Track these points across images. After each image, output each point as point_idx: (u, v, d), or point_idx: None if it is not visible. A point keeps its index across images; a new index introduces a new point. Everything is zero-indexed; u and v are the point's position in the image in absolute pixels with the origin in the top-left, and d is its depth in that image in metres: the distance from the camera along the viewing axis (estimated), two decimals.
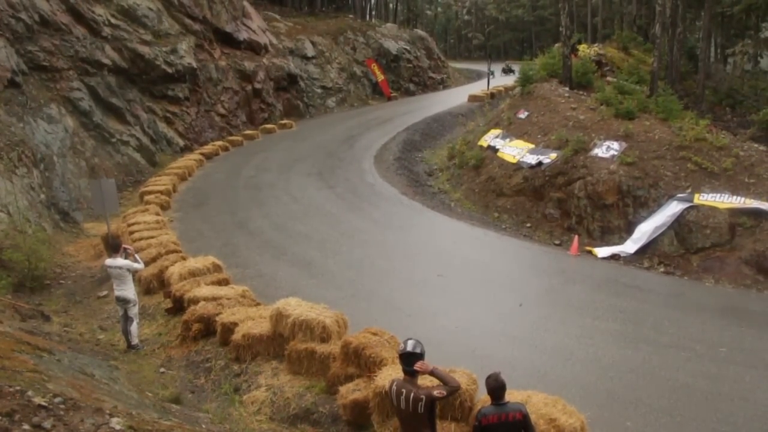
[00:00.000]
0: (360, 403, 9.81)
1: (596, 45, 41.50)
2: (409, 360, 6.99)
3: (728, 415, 10.79)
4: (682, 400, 11.21)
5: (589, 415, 8.94)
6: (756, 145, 23.17)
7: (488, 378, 7.05)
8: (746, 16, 37.32)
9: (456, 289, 16.74)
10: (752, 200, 20.03)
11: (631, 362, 12.70)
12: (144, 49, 34.66)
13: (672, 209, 20.47)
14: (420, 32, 67.36)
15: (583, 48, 37.21)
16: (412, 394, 6.89)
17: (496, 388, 6.97)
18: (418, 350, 7.02)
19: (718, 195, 20.45)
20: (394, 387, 7.12)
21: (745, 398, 11.39)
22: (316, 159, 32.57)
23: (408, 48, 60.20)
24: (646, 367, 12.48)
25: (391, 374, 9.33)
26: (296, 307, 12.28)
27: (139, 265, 14.22)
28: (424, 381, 7.54)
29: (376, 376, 9.54)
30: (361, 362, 10.55)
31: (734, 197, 20.26)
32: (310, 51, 50.85)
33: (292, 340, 11.88)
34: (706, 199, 20.39)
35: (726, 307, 16.34)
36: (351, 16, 64.65)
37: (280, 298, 12.79)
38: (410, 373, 7.02)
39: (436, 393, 6.88)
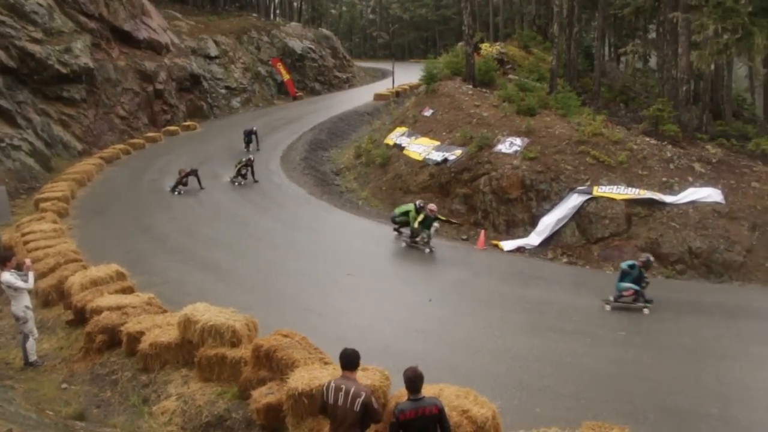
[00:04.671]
0: (274, 407, 9.68)
1: (498, 44, 42.47)
2: (349, 360, 7.25)
3: (628, 394, 11.34)
4: (587, 383, 11.67)
5: (500, 404, 9.13)
6: (647, 139, 24.34)
7: (406, 370, 7.15)
8: (636, 18, 39.09)
9: (366, 287, 16.80)
10: (646, 191, 21.08)
11: (538, 351, 13.10)
12: (34, 48, 32.89)
13: (573, 202, 21.24)
14: (325, 31, 67.18)
15: (485, 47, 37.98)
16: (352, 389, 7.03)
17: (414, 379, 7.07)
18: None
19: (615, 187, 21.41)
20: (332, 384, 7.21)
21: (643, 378, 12.01)
22: (222, 160, 31.94)
23: (313, 47, 59.93)
24: (553, 355, 12.91)
25: (303, 375, 9.28)
26: (205, 313, 11.98)
27: (24, 285, 12.79)
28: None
29: (288, 378, 9.43)
30: (273, 365, 10.40)
31: (629, 188, 21.25)
32: (213, 50, 49.83)
33: (201, 346, 11.57)
34: (604, 191, 21.28)
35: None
36: (254, 15, 63.79)
37: (188, 304, 12.44)
38: (351, 370, 7.24)
39: (374, 400, 7.10)
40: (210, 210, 24.39)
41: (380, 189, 27.27)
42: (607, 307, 15.71)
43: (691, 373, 12.26)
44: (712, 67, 27.54)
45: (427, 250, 19.83)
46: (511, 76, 33.07)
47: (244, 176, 28.29)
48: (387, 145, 29.73)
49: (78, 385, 12.32)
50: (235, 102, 49.48)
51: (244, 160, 28.44)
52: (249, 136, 34.74)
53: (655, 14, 35.99)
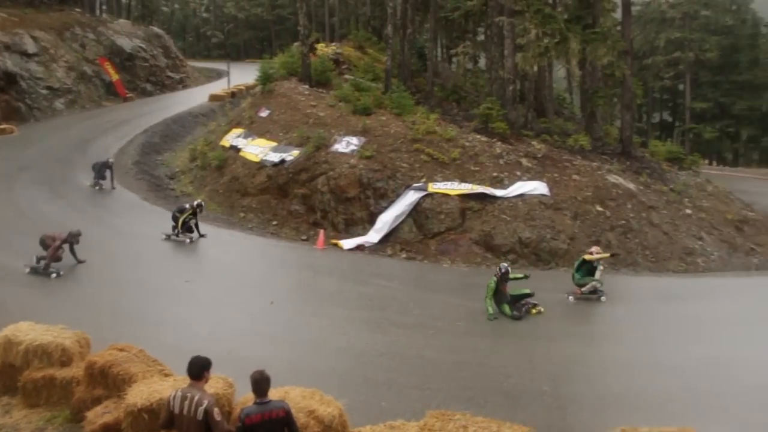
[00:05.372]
0: (111, 426, 9.06)
1: (334, 44, 42.68)
2: (193, 369, 7.08)
3: (469, 381, 11.77)
4: (430, 374, 11.98)
5: (346, 401, 9.15)
6: (478, 136, 25.43)
7: (253, 373, 7.04)
8: (465, 21, 40.74)
9: (206, 294, 16.25)
10: (478, 186, 22.03)
11: (381, 346, 13.26)
12: None
13: (409, 198, 21.75)
14: (156, 29, 64.43)
15: (321, 47, 38.06)
16: (196, 398, 6.85)
17: (260, 381, 6.97)
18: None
19: (449, 183, 22.20)
20: (179, 393, 7.00)
21: (482, 364, 12.54)
22: (45, 167, 29.56)
23: (144, 46, 57.28)
24: (396, 349, 13.13)
25: (143, 390, 8.83)
26: (29, 332, 11.01)
27: None
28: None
29: (126, 394, 8.87)
30: (108, 382, 9.77)
31: (463, 184, 22.11)
32: (31, 47, 46.20)
33: (26, 369, 10.62)
34: (438, 187, 21.98)
35: (462, 285, 17.74)
36: (78, 10, 59.79)
37: (9, 325, 11.36)
38: (197, 379, 7.08)
39: (216, 411, 6.85)
40: (33, 221, 22.31)
41: (217, 192, 26.54)
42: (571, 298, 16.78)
43: (525, 356, 12.96)
44: (535, 68, 29.30)
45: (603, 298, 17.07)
46: (347, 76, 33.33)
47: (192, 229, 20.87)
48: (223, 147, 29.01)
49: None
50: (59, 103, 46.19)
51: (187, 206, 20.98)
52: (102, 170, 26.48)
53: (483, 18, 37.64)
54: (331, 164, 23.45)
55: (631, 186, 24.51)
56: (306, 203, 23.52)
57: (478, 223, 21.20)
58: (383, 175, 22.78)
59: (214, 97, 48.56)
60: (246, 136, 28.32)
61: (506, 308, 15.20)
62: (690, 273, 21.22)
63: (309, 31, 35.99)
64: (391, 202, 22.14)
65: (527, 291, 15.63)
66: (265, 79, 31.81)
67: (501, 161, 23.83)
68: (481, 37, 43.79)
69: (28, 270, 17.07)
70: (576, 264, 17.30)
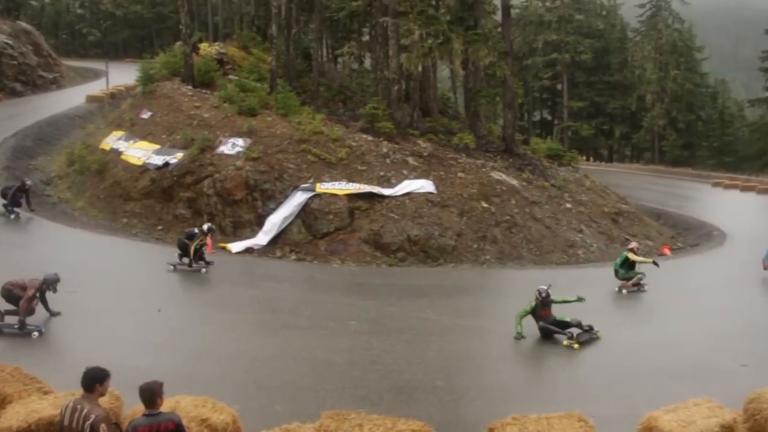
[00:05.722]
0: None
1: (218, 44, 41.71)
2: (84, 380, 6.76)
3: (363, 380, 11.74)
4: (323, 375, 11.86)
5: (239, 407, 8.97)
6: (365, 136, 25.60)
7: (142, 385, 6.75)
8: (350, 21, 40.91)
9: (89, 304, 15.38)
10: (366, 185, 22.17)
11: (273, 349, 13.04)
12: None
13: (297, 199, 21.63)
14: (24, 25, 60.79)
15: (204, 47, 37.13)
16: (85, 411, 6.53)
17: (148, 392, 6.70)
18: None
19: (337, 183, 22.23)
20: (70, 404, 6.67)
21: (374, 362, 12.52)
22: None
23: (11, 43, 53.96)
24: (288, 351, 12.94)
25: (19, 411, 8.28)
26: None
27: None
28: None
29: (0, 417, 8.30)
30: None
31: (351, 184, 22.19)
32: None
33: None
34: (326, 187, 21.98)
35: (352, 284, 17.80)
36: None
37: None
38: (89, 391, 6.76)
39: (103, 427, 6.51)
40: None
41: (98, 197, 25.41)
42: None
43: (417, 352, 13.07)
44: (420, 68, 29.74)
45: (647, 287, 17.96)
46: (231, 76, 32.69)
47: (203, 256, 18.55)
48: (103, 150, 27.82)
49: None
50: None
51: (197, 231, 18.50)
52: (17, 194, 22.47)
53: (368, 18, 37.90)
54: (217, 166, 22.96)
55: (515, 182, 25.36)
56: (192, 207, 22.91)
57: (367, 223, 21.33)
58: (270, 176, 22.52)
59: (91, 98, 46.44)
60: (127, 139, 27.29)
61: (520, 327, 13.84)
62: (572, 264, 22.23)
63: (191, 30, 35.03)
64: (279, 204, 21.92)
65: (568, 319, 13.86)
66: (146, 79, 30.77)
67: (388, 160, 24.08)
68: (366, 38, 44.13)
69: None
70: (619, 261, 18.26)
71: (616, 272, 18.12)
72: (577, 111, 69.95)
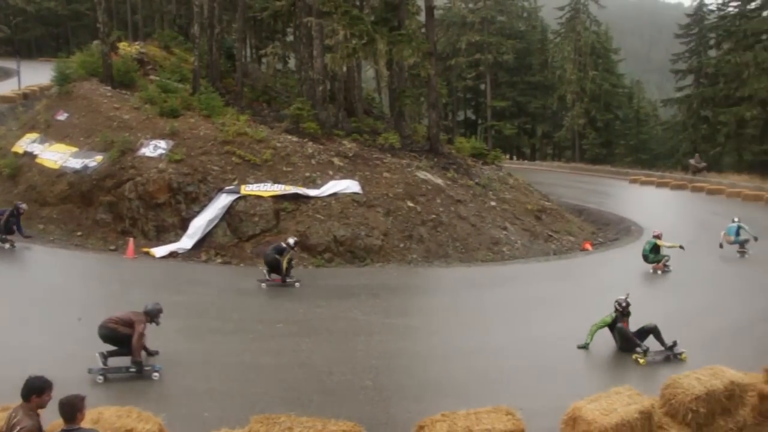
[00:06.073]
0: None
1: (138, 43, 40.69)
2: (22, 390, 6.78)
3: (292, 382, 11.67)
4: (251, 379, 11.75)
5: (165, 416, 8.80)
6: (290, 137, 25.48)
7: (61, 399, 6.64)
8: (274, 21, 40.54)
9: (3, 314, 14.84)
10: (291, 186, 22.10)
11: (200, 355, 12.83)
12: None
13: (222, 202, 21.36)
14: None
15: (124, 46, 36.13)
16: (15, 420, 6.53)
17: (67, 406, 6.58)
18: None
19: (262, 184, 22.09)
20: (11, 411, 6.74)
21: (303, 364, 12.49)
22: None
23: None
24: (215, 356, 12.76)
25: None
26: None
27: None
28: None
29: None
30: None
31: (276, 185, 22.07)
32: None
33: None
34: (251, 189, 21.78)
35: (278, 287, 17.62)
36: None
37: None
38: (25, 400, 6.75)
39: None
40: None
41: (11, 203, 24.39)
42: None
43: (346, 352, 13.12)
44: (344, 68, 29.80)
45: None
46: (152, 77, 31.95)
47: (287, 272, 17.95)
48: (16, 153, 26.71)
49: None
50: None
51: (285, 245, 17.90)
52: (10, 220, 20.22)
53: (292, 18, 37.67)
54: (139, 169, 22.40)
55: (440, 181, 25.69)
56: (113, 211, 22.29)
57: (293, 224, 21.24)
58: (194, 178, 22.15)
59: (2, 99, 44.55)
60: (42, 141, 26.30)
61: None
62: (497, 261, 22.69)
63: (110, 28, 34.01)
64: (203, 207, 21.58)
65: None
66: (62, 79, 29.71)
67: (313, 161, 24.03)
68: (291, 38, 43.86)
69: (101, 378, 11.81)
70: (647, 247, 20.87)
71: (646, 257, 20.81)
72: (500, 110, 71.33)
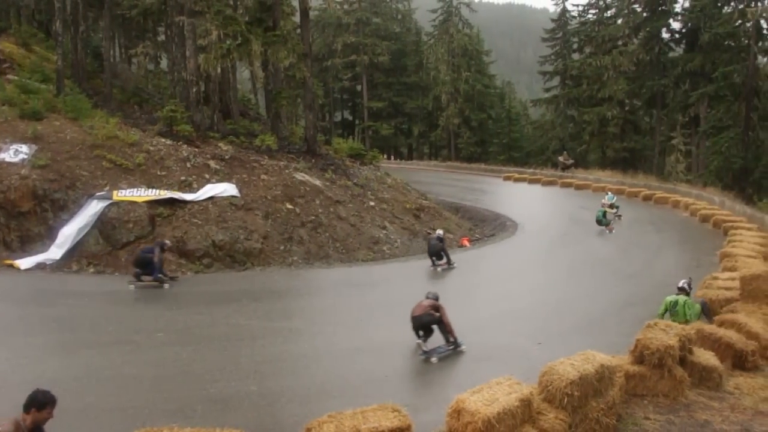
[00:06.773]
0: None
1: None
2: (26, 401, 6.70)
3: (174, 392, 11.34)
4: (131, 392, 11.29)
5: None
6: (163, 140, 24.75)
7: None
8: (144, 19, 39.18)
9: None
10: (166, 191, 21.49)
11: (74, 370, 12.16)
12: None
13: (93, 209, 20.44)
14: None
15: None
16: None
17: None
18: None
19: (136, 189, 21.31)
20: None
21: (185, 373, 12.19)
22: None
23: None
24: (91, 371, 12.16)
25: None
26: None
27: None
28: None
29: None
30: None
31: (150, 190, 21.37)
32: None
33: None
34: (124, 194, 20.97)
35: (157, 295, 17.14)
36: None
37: None
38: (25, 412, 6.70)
39: None
40: None
41: None
42: None
43: (229, 359, 12.87)
44: (219, 69, 29.27)
45: None
46: (10, 76, 30.06)
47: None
48: None
49: None
50: None
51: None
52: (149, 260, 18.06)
53: (163, 17, 36.55)
54: None
55: (318, 183, 25.75)
56: None
57: (170, 230, 20.65)
58: (61, 185, 21.05)
59: None
60: None
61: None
62: (378, 260, 23.00)
63: None
64: (72, 214, 20.54)
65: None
66: None
67: (188, 164, 23.47)
68: (162, 37, 42.55)
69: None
70: (600, 214, 27.04)
71: (600, 222, 26.84)
72: (377, 111, 72.28)
